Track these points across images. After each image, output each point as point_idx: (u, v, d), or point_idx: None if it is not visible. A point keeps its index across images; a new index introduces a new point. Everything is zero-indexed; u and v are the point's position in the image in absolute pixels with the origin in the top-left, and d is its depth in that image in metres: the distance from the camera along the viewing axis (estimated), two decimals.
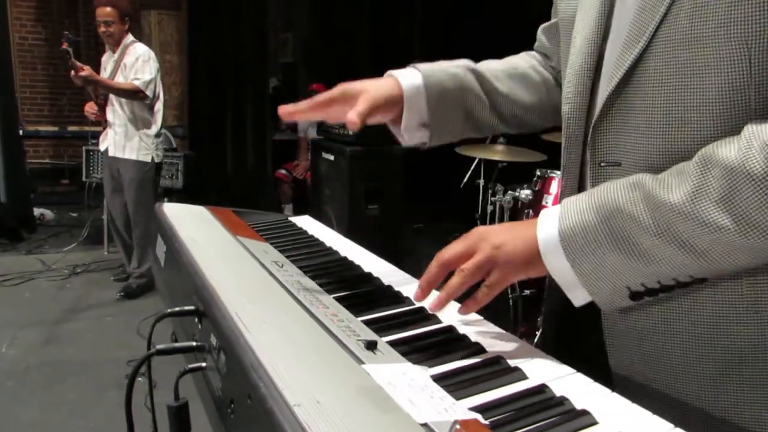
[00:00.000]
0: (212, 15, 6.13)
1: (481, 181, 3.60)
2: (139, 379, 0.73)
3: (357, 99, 0.86)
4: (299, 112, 0.89)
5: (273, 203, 5.75)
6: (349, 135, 3.89)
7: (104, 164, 4.03)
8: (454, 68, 0.94)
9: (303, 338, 0.66)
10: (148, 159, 3.86)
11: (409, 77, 0.91)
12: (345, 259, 1.06)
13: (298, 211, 5.65)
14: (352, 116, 0.83)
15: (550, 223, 0.70)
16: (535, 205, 2.86)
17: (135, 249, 4.02)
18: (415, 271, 1.03)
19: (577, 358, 0.68)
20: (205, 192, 5.53)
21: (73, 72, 3.55)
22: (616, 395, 0.61)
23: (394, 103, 0.90)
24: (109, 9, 3.73)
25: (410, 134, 0.94)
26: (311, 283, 0.87)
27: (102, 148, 3.98)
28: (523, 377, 0.64)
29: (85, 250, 4.91)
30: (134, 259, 4.05)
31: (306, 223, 1.38)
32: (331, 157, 4.09)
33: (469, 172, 3.76)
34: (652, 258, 0.64)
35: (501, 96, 0.97)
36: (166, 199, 4.68)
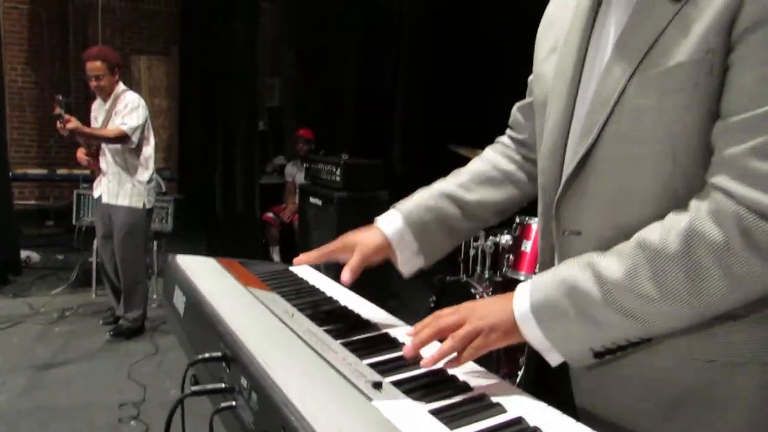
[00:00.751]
0: (203, 60, 6.32)
1: None
2: (132, 423, 0.84)
3: (354, 249, 1.08)
4: (311, 259, 1.12)
5: (260, 246, 5.86)
6: (336, 181, 4.04)
7: (97, 210, 4.12)
8: (429, 199, 1.13)
9: (320, 379, 0.79)
10: (140, 205, 3.96)
11: (392, 223, 1.12)
12: (345, 307, 1.19)
13: (284, 254, 5.76)
14: (345, 274, 1.04)
15: (524, 299, 0.84)
16: (515, 250, 3.01)
17: (123, 294, 4.08)
18: (401, 312, 1.18)
19: (551, 396, 0.82)
20: (193, 235, 5.61)
21: (60, 124, 3.66)
22: (581, 425, 0.74)
23: (384, 249, 1.11)
24: (98, 63, 3.83)
25: (408, 266, 1.14)
26: (319, 331, 1.00)
27: (96, 194, 4.07)
28: (503, 411, 0.77)
29: (73, 293, 4.94)
30: (122, 305, 4.10)
31: (305, 272, 1.51)
32: (319, 202, 4.23)
33: None
34: (605, 325, 0.79)
35: (475, 206, 1.14)
36: (155, 243, 4.77)
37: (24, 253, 5.78)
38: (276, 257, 5.78)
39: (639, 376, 0.84)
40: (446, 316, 0.89)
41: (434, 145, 4.88)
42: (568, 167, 0.88)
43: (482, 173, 1.16)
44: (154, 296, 4.74)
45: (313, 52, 7.00)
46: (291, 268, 1.55)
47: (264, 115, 7.58)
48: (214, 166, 6.18)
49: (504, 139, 1.23)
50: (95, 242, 4.30)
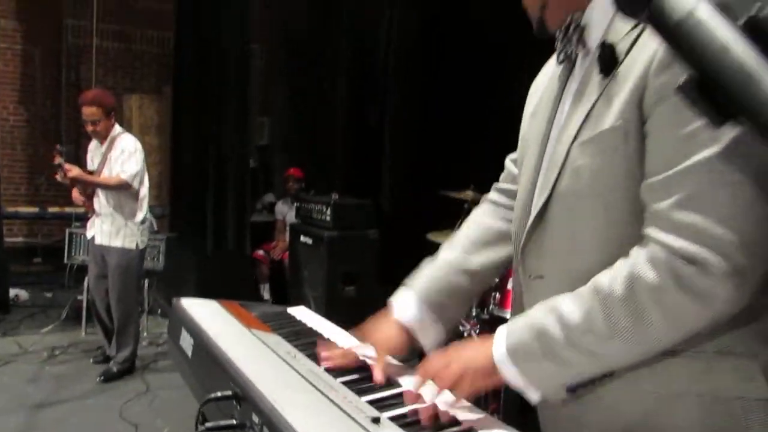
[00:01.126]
0: (195, 98, 6.43)
1: None
2: None
3: (375, 349, 1.15)
4: (335, 358, 1.15)
5: (250, 283, 5.91)
6: (327, 220, 4.15)
7: (90, 250, 4.16)
8: (439, 275, 1.22)
9: (324, 415, 0.88)
10: (134, 246, 4.00)
11: (409, 309, 1.20)
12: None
13: (274, 291, 5.82)
14: (378, 377, 1.09)
15: (501, 343, 0.94)
16: (501, 289, 3.10)
17: (115, 333, 4.10)
18: None
19: (529, 428, 0.92)
20: (184, 273, 5.65)
21: (60, 174, 3.74)
22: None
23: (407, 341, 1.19)
24: (94, 108, 3.89)
25: (430, 342, 1.20)
26: (320, 371, 1.09)
27: (89, 235, 4.11)
28: None
29: (63, 331, 4.95)
30: (113, 345, 4.12)
31: (302, 313, 1.59)
32: (310, 241, 4.32)
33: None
34: (571, 363, 0.89)
35: (481, 271, 1.23)
36: (146, 281, 4.81)
37: (12, 291, 5.78)
38: (266, 294, 5.83)
39: (594, 409, 0.94)
40: (436, 360, 1.01)
41: (422, 185, 5.01)
42: (530, 219, 1.01)
43: (479, 238, 1.25)
44: (144, 334, 4.76)
45: (303, 92, 7.16)
46: (288, 310, 1.64)
47: (253, 153, 7.70)
48: (206, 203, 6.25)
49: (492, 195, 1.33)
50: (86, 280, 4.33)
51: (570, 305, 0.89)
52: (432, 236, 3.55)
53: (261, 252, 5.99)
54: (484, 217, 1.29)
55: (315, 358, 1.16)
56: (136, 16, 7.97)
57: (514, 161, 1.29)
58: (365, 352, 1.18)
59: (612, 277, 0.86)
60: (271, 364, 1.08)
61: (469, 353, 0.99)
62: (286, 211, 5.99)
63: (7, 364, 4.22)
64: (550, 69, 1.13)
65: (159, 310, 5.42)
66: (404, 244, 4.88)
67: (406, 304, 1.21)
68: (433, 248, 3.99)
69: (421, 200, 5.01)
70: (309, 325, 1.46)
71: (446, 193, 3.93)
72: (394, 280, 4.74)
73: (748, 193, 0.78)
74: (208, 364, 1.13)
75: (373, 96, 6.59)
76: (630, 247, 0.88)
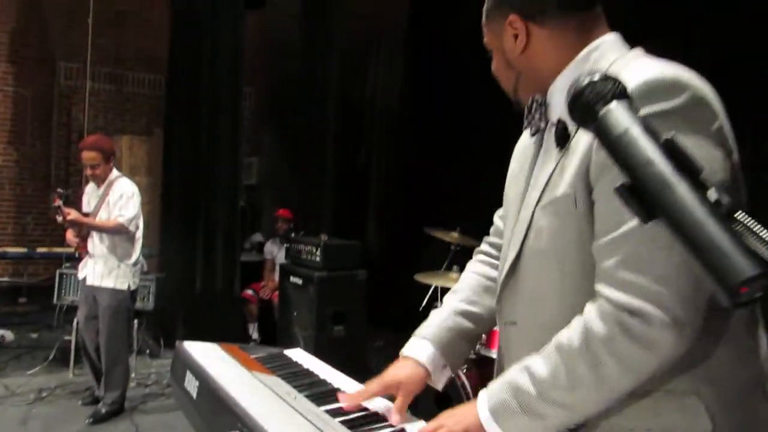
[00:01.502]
0: (187, 138, 6.54)
1: (438, 305, 3.93)
2: None
3: (398, 388, 1.22)
4: (359, 399, 1.23)
5: (239, 323, 5.93)
6: (316, 261, 4.23)
7: (81, 291, 4.19)
8: (447, 321, 1.32)
9: None
10: (125, 287, 4.04)
11: (424, 351, 1.29)
12: (338, 389, 1.36)
13: (263, 331, 5.85)
14: (395, 417, 1.17)
15: (484, 404, 1.04)
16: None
17: (104, 374, 4.10)
18: None
19: None
20: (173, 313, 5.68)
21: (59, 216, 3.82)
22: None
23: (425, 381, 1.28)
24: (94, 153, 4.00)
25: (441, 382, 1.30)
26: (320, 411, 1.17)
27: (81, 275, 4.15)
28: None
29: (50, 373, 4.93)
30: (102, 386, 4.13)
31: (299, 355, 1.67)
32: (299, 281, 4.40)
33: (427, 297, 4.10)
34: (546, 416, 0.98)
35: (485, 316, 1.33)
36: (135, 321, 4.83)
37: (5, 332, 5.75)
38: (255, 334, 5.85)
39: None
40: (430, 424, 1.10)
41: (409, 227, 5.12)
42: (504, 271, 1.14)
43: (479, 286, 1.36)
44: (133, 375, 4.76)
45: (291, 134, 7.31)
46: (285, 352, 1.72)
47: (242, 193, 7.79)
48: (195, 243, 6.30)
49: (484, 247, 1.44)
50: (75, 321, 4.35)
51: (539, 362, 1.00)
52: (419, 277, 3.64)
53: (250, 292, 6.03)
54: (481, 267, 1.40)
55: (314, 398, 1.24)
56: (128, 59, 8.14)
57: (502, 217, 1.40)
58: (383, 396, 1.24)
59: (570, 333, 0.97)
60: (274, 405, 1.17)
61: (459, 415, 1.07)
62: (276, 251, 6.06)
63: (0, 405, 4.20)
64: (527, 135, 1.25)
65: (148, 351, 5.43)
66: (392, 284, 4.98)
67: (420, 348, 1.30)
68: (420, 289, 4.13)
69: (407, 242, 5.13)
70: (306, 366, 1.54)
71: (432, 235, 4.04)
72: (382, 320, 4.91)
73: (682, 254, 0.86)
74: (215, 405, 1.20)
75: (361, 138, 6.75)
76: (585, 297, 0.98)
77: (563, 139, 1.02)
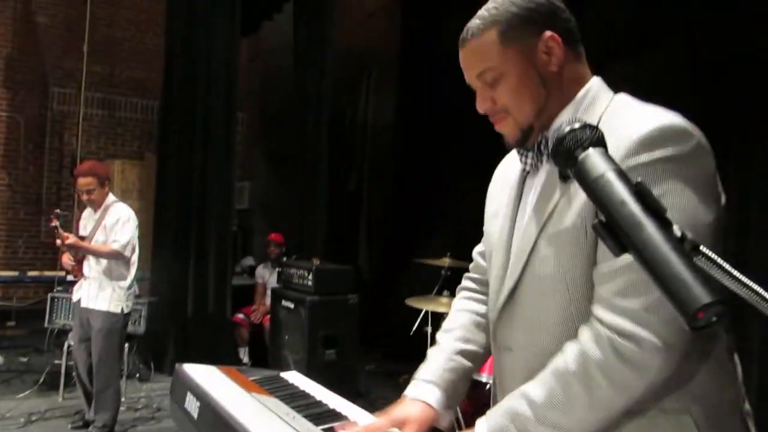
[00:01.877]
0: (179, 162, 6.60)
1: (429, 329, 4.00)
2: None
3: (405, 425, 1.22)
4: None
5: (229, 346, 5.94)
6: (308, 285, 4.29)
7: (75, 314, 4.21)
8: (448, 362, 1.34)
9: None
10: (119, 310, 4.06)
11: (432, 394, 1.30)
12: (334, 410, 1.41)
13: (253, 355, 5.86)
14: None
15: (482, 429, 1.08)
16: None
17: (95, 397, 4.11)
18: (370, 410, 1.39)
19: None
20: (164, 336, 5.69)
21: (59, 241, 3.87)
22: None
23: (434, 421, 1.29)
24: (89, 179, 4.05)
25: (446, 421, 1.32)
26: (318, 430, 1.23)
27: (75, 298, 4.18)
28: None
29: (40, 396, 4.91)
30: (93, 409, 4.13)
31: (295, 378, 1.72)
32: (291, 305, 4.45)
33: (418, 321, 4.17)
34: None
35: (480, 352, 1.38)
36: (127, 345, 4.84)
37: None
38: (245, 358, 5.86)
39: None
40: None
41: (400, 252, 5.19)
42: (502, 298, 1.19)
43: (471, 323, 1.40)
44: (123, 399, 4.75)
45: (283, 158, 7.39)
46: (281, 374, 1.77)
47: (234, 217, 7.84)
48: (187, 267, 6.32)
49: (467, 284, 1.49)
50: (66, 344, 4.35)
51: (535, 387, 1.05)
52: (410, 302, 3.71)
53: (241, 315, 6.05)
54: (468, 304, 1.44)
55: (312, 418, 1.30)
56: (120, 84, 8.23)
57: (481, 253, 1.46)
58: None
59: (565, 357, 1.03)
60: (275, 426, 1.22)
61: None
62: (267, 275, 6.10)
63: None
64: (503, 175, 1.32)
65: (137, 375, 5.43)
66: (383, 308, 5.04)
67: (428, 391, 1.30)
68: (411, 313, 4.18)
69: (398, 266, 5.20)
70: (302, 388, 1.60)
71: (423, 260, 4.11)
72: (373, 344, 4.94)
73: None
74: (216, 425, 1.26)
75: (352, 164, 6.85)
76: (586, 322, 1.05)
77: (566, 175, 1.04)
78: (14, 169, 7.80)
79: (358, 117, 7.03)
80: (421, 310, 4.11)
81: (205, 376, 1.53)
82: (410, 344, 4.32)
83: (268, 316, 5.53)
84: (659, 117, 1.02)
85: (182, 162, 6.63)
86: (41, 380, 5.08)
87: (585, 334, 1.03)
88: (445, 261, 3.97)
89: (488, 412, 1.11)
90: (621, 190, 0.73)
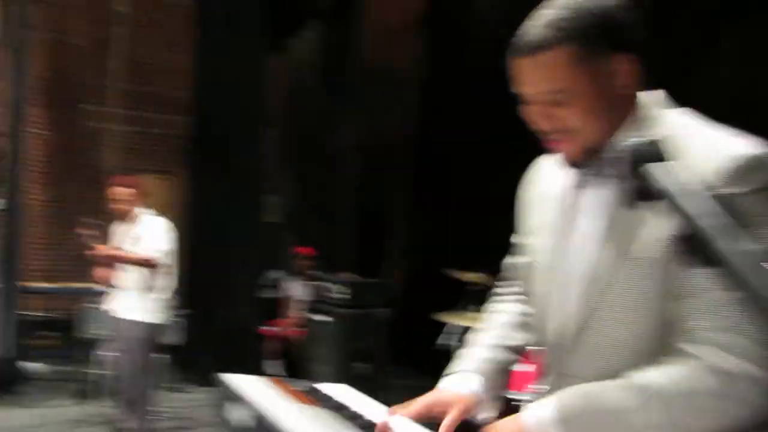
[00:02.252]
0: (208, 177, 6.74)
1: (456, 343, 4.02)
2: None
3: (451, 405, 1.22)
4: (409, 413, 1.23)
5: (257, 359, 6.01)
6: (341, 299, 4.35)
7: (110, 324, 4.30)
8: (489, 354, 1.34)
9: None
10: (153, 320, 4.15)
11: (474, 382, 1.29)
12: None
13: (282, 368, 5.91)
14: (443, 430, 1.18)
15: (541, 410, 1.07)
16: None
17: (130, 406, 4.19)
18: None
19: None
20: (193, 348, 5.78)
21: (92, 250, 3.98)
22: None
23: (477, 405, 1.27)
24: (123, 189, 4.17)
25: (486, 412, 1.29)
26: None
27: (109, 308, 4.27)
28: None
29: (79, 405, 5.05)
30: (127, 418, 4.21)
31: (343, 390, 1.74)
32: (323, 318, 4.50)
33: (443, 334, 4.18)
34: None
35: (520, 348, 1.37)
36: (161, 356, 4.93)
37: (30, 365, 5.87)
38: (274, 370, 5.93)
39: None
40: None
41: (431, 266, 5.18)
42: (573, 327, 1.15)
43: (511, 322, 1.38)
44: (156, 408, 4.84)
45: (312, 172, 7.47)
46: (329, 386, 1.81)
47: (263, 231, 7.92)
48: (215, 280, 6.42)
49: (503, 290, 1.47)
50: (103, 354, 4.45)
51: (622, 391, 1.03)
52: (442, 317, 3.73)
53: (269, 328, 6.12)
54: (506, 305, 1.42)
55: (365, 430, 1.33)
56: (149, 101, 8.41)
57: (513, 266, 1.42)
58: (435, 410, 1.23)
59: (668, 377, 1.00)
60: None
61: (508, 427, 1.10)
62: (296, 289, 6.17)
63: None
64: (544, 185, 1.27)
65: (170, 385, 5.53)
66: (413, 323, 5.05)
67: (469, 378, 1.29)
68: (438, 327, 4.19)
69: (427, 280, 5.20)
70: (350, 400, 1.63)
71: (454, 275, 4.13)
72: (405, 358, 4.96)
73: None
74: None
75: (380, 177, 6.88)
76: (660, 349, 1.03)
77: (646, 196, 0.93)
78: (51, 186, 8.01)
79: (385, 128, 7.10)
80: (447, 324, 4.14)
81: (251, 386, 1.58)
82: (440, 359, 4.33)
83: (297, 330, 5.58)
84: (741, 146, 1.00)
85: (209, 177, 6.76)
86: (80, 389, 5.22)
87: (693, 362, 0.99)
88: (479, 276, 3.98)
89: (557, 396, 1.09)
90: (712, 207, 0.73)
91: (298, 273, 6.30)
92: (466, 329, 3.87)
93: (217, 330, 6.29)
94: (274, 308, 6.48)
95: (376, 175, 7.00)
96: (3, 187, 6.56)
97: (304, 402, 1.48)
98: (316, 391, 1.69)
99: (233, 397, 1.56)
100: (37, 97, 7.82)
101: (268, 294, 6.95)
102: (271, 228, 8.25)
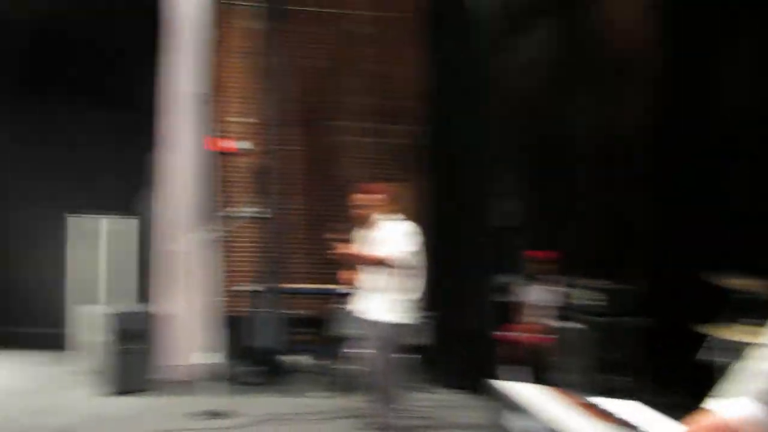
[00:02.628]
0: (441, 183, 6.94)
1: (722, 359, 3.58)
2: None
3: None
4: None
5: (494, 364, 5.98)
6: (593, 305, 4.13)
7: (360, 324, 4.54)
8: None
9: None
10: (401, 320, 4.30)
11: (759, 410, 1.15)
12: None
13: (524, 375, 5.81)
14: None
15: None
16: None
17: (379, 402, 4.39)
18: None
19: None
20: (434, 349, 5.96)
21: (336, 248, 4.27)
22: None
23: None
24: (371, 196, 4.39)
25: None
26: None
27: (358, 308, 4.51)
28: None
29: (333, 397, 5.54)
30: (378, 411, 4.42)
31: (635, 407, 1.64)
32: (574, 326, 4.31)
33: (703, 348, 3.74)
34: None
35: None
36: (408, 356, 5.15)
37: (293, 358, 6.57)
38: (513, 377, 5.85)
39: None
40: None
41: (683, 271, 4.69)
42: None
43: None
44: (401, 407, 5.07)
45: (546, 175, 7.26)
46: (601, 400, 1.72)
47: (498, 235, 7.90)
48: (451, 284, 6.54)
49: None
50: (351, 351, 4.78)
51: None
52: (704, 329, 3.35)
53: (505, 333, 6.06)
54: None
55: None
56: (385, 113, 8.92)
57: None
58: None
59: None
60: None
61: None
62: (533, 293, 6.03)
63: (288, 422, 4.89)
64: None
65: (417, 386, 5.78)
66: (668, 334, 4.61)
67: (748, 406, 1.15)
68: (702, 341, 3.74)
69: (684, 287, 4.70)
70: (643, 419, 1.53)
71: (718, 281, 3.71)
72: (665, 372, 4.52)
73: None
74: None
75: (619, 174, 6.45)
76: None
77: None
78: (307, 196, 8.88)
79: (621, 124, 6.66)
80: (710, 337, 3.70)
81: (535, 395, 1.56)
82: (698, 375, 3.90)
83: (539, 336, 5.45)
84: None
85: (442, 182, 6.96)
86: (329, 383, 5.72)
87: None
88: (745, 282, 3.53)
89: None
90: None
91: (533, 277, 6.15)
92: (735, 343, 3.42)
93: (453, 333, 6.42)
94: (507, 313, 6.41)
95: (615, 172, 6.58)
96: (266, 199, 7.48)
97: (595, 417, 1.42)
98: (604, 406, 1.61)
99: (512, 405, 1.55)
100: (289, 116, 8.76)
101: (500, 298, 6.90)
102: (504, 231, 8.20)
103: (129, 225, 7.40)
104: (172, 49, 5.90)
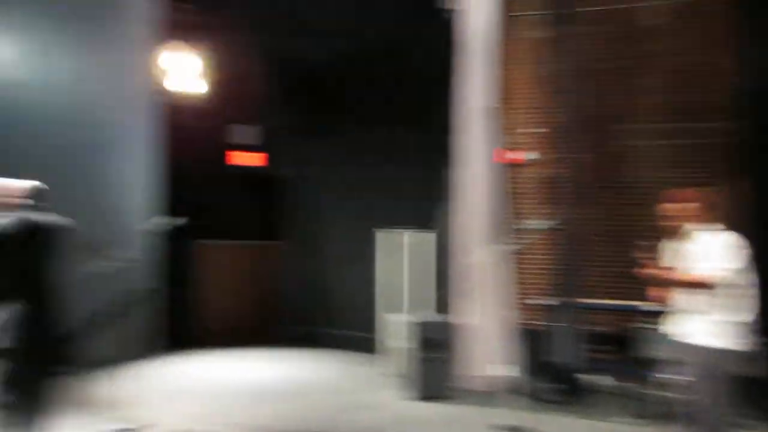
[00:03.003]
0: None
1: None
2: None
3: None
4: None
5: None
6: None
7: (670, 346, 4.06)
8: None
9: None
10: (722, 345, 3.76)
11: None
12: None
13: None
14: None
15: None
16: None
17: None
18: None
19: None
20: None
21: (644, 271, 3.91)
22: None
23: None
24: (686, 205, 3.94)
25: None
26: None
27: (668, 329, 4.07)
28: None
29: (640, 425, 5.07)
30: None
31: None
32: None
33: None
34: None
35: None
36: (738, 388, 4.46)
37: (591, 376, 6.22)
38: None
39: None
40: None
41: None
42: None
43: None
44: None
45: None
46: None
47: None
48: None
49: None
50: (664, 376, 4.28)
51: None
52: None
53: None
54: None
55: None
56: (687, 111, 7.98)
57: None
58: None
59: None
60: None
61: None
62: None
63: None
64: None
65: (746, 423, 4.98)
66: None
67: None
68: None
69: None
70: None
71: None
72: None
73: None
74: None
75: None
76: None
77: None
78: (597, 204, 8.39)
79: None
80: None
81: None
82: None
83: None
84: None
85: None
86: (636, 408, 5.26)
87: None
88: None
89: None
90: None
91: None
92: None
93: None
94: None
95: None
96: (558, 209, 7.25)
97: None
98: None
99: None
100: (581, 123, 8.39)
101: None
102: None
103: (428, 238, 7.80)
104: (465, 68, 6.09)
